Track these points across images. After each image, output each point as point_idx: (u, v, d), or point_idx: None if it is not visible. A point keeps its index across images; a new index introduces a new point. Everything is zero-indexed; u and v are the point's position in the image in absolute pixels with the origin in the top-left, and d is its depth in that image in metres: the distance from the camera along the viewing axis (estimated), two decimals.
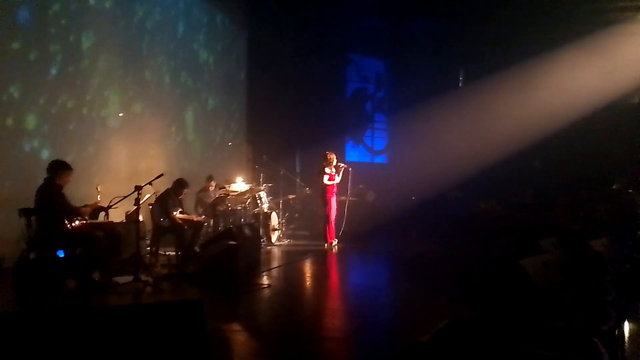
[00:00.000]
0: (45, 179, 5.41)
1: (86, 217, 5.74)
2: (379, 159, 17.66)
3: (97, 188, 6.04)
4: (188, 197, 7.55)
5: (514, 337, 3.20)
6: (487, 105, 13.83)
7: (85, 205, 5.76)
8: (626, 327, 2.91)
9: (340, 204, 9.12)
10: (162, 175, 6.10)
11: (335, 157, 8.88)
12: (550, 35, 12.60)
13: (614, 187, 11.65)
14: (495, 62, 13.28)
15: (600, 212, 9.88)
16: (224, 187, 8.77)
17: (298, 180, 10.67)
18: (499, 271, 5.58)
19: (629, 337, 2.83)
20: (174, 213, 6.92)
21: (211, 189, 9.09)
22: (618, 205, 10.36)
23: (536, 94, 13.11)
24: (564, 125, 12.42)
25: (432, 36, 15.01)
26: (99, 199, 5.92)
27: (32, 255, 5.41)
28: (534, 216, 10.97)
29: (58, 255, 5.51)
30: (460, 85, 15.71)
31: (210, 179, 9.21)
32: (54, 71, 6.96)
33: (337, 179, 8.82)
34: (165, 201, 6.92)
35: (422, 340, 3.39)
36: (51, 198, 5.29)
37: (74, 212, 5.50)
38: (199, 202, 8.94)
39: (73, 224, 5.47)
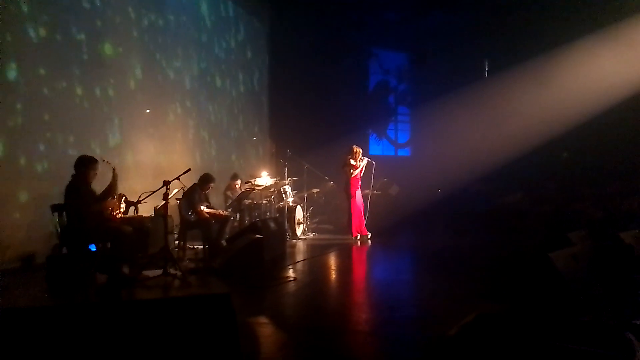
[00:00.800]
0: (72, 175, 5.52)
1: (116, 207, 5.82)
2: (402, 152, 17.57)
3: (103, 160, 5.71)
4: (214, 192, 7.61)
5: (542, 331, 3.16)
6: (511, 97, 13.58)
7: (106, 193, 5.68)
8: None
9: (363, 198, 9.13)
10: (189, 170, 6.17)
11: (361, 150, 8.92)
12: (575, 25, 12.27)
13: None
14: (518, 53, 13.02)
15: (631, 205, 9.62)
16: (249, 182, 8.84)
17: (321, 174, 10.68)
18: (527, 264, 5.51)
19: None
20: (201, 207, 7.01)
21: (237, 186, 9.11)
22: None
23: (562, 85, 12.78)
24: (591, 117, 12.11)
25: (454, 28, 14.79)
26: (114, 173, 5.72)
27: (63, 250, 5.56)
28: (561, 209, 10.76)
29: (89, 250, 5.65)
30: (485, 76, 15.47)
31: (235, 177, 9.23)
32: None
33: (362, 165, 8.85)
34: (191, 196, 7.02)
35: (449, 334, 3.37)
36: (78, 195, 5.38)
37: (100, 210, 5.61)
38: (227, 199, 9.02)
39: (109, 216, 5.59)
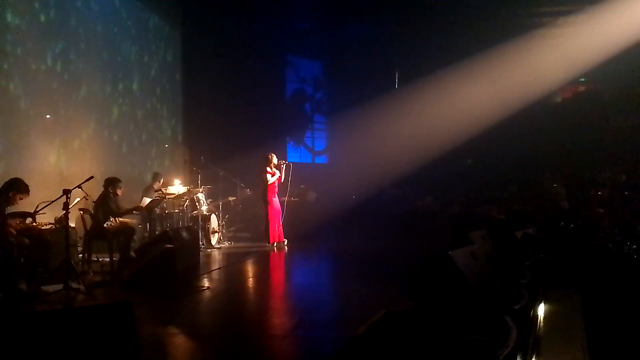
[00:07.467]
0: None
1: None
2: (319, 160, 17.81)
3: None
4: (126, 198, 7.31)
5: (444, 324, 3.34)
6: (421, 106, 14.26)
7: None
8: (540, 308, 3.12)
9: (280, 204, 9.16)
10: (92, 178, 5.87)
11: (275, 156, 8.96)
12: (477, 38, 13.18)
13: (542, 182, 12.32)
14: (427, 64, 13.73)
15: (528, 205, 10.43)
16: (160, 190, 8.55)
17: (238, 181, 10.57)
18: (432, 263, 5.78)
19: (543, 317, 3.04)
20: (118, 214, 6.82)
21: (156, 186, 8.77)
22: (544, 199, 10.97)
23: (466, 95, 13.66)
24: (491, 126, 13.03)
25: (367, 39, 15.30)
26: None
27: None
28: (467, 211, 11.44)
29: None
30: (395, 86, 16.12)
31: (156, 177, 8.92)
32: None
33: (279, 174, 8.89)
34: (107, 204, 6.74)
35: (358, 332, 3.46)
36: None
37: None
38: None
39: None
